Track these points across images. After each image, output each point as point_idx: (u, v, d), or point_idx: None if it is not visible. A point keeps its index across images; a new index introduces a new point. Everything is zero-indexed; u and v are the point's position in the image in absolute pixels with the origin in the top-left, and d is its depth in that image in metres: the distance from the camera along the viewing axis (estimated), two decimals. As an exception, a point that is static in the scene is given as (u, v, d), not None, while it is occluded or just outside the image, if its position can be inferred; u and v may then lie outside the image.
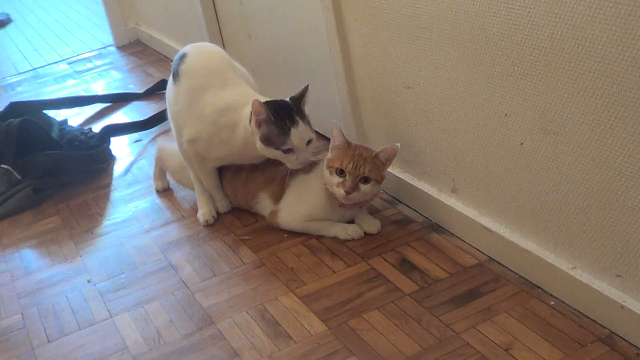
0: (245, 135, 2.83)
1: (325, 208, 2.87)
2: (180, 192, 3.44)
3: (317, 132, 3.36)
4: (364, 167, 2.69)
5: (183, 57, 3.05)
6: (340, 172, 2.71)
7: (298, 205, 2.91)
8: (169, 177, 3.51)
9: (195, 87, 2.96)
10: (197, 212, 3.20)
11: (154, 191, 3.50)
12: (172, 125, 3.17)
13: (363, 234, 2.85)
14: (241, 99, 2.89)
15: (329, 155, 2.78)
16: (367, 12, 2.77)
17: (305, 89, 2.82)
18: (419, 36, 2.54)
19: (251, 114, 2.76)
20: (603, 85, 1.91)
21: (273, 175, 2.95)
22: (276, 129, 2.73)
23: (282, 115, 2.74)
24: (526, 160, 2.28)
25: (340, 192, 2.71)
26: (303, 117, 2.78)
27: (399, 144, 2.71)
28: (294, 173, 2.90)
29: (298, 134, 2.74)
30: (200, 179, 3.16)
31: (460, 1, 2.29)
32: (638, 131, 1.87)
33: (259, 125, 2.75)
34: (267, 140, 2.75)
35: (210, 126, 2.91)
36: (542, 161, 2.22)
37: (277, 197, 2.97)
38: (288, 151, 2.75)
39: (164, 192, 3.49)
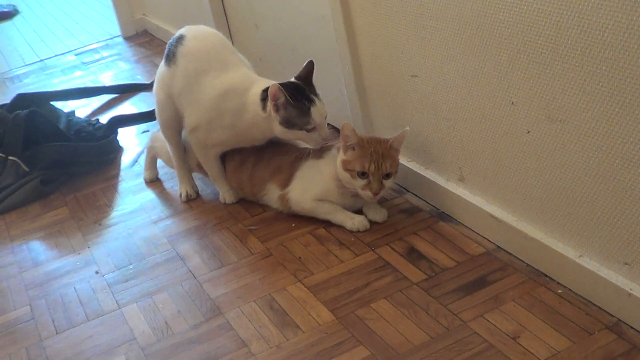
0: (255, 120, 2.83)
1: (335, 195, 2.86)
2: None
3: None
4: (385, 164, 2.69)
5: (180, 39, 3.03)
6: (362, 174, 2.71)
7: (309, 187, 2.90)
8: (160, 166, 3.53)
9: (195, 70, 2.96)
10: (205, 203, 3.22)
11: (162, 181, 3.51)
12: (156, 108, 3.22)
13: (369, 226, 2.84)
14: (245, 81, 2.89)
15: (342, 156, 2.76)
16: (373, 1, 2.76)
17: (310, 64, 2.84)
18: (425, 25, 2.53)
19: (264, 100, 2.78)
20: (609, 72, 1.90)
21: (280, 165, 2.95)
22: (296, 110, 2.75)
23: (298, 96, 2.76)
24: (533, 149, 2.27)
25: (367, 194, 2.72)
26: (316, 93, 2.81)
27: (408, 128, 2.71)
28: (304, 157, 2.91)
29: (317, 111, 2.77)
30: (205, 169, 3.17)
31: (466, -11, 2.29)
32: (645, 118, 1.87)
33: (277, 109, 2.76)
34: (288, 123, 2.76)
35: (211, 110, 2.92)
36: (549, 149, 2.21)
37: (286, 185, 2.96)
38: (311, 130, 2.76)
39: (151, 182, 3.53)
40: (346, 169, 2.73)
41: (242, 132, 2.91)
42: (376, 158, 2.69)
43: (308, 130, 2.77)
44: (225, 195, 3.18)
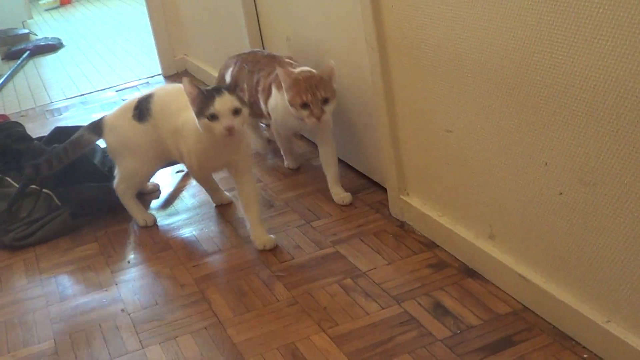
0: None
1: None
2: (218, 225, 3.44)
3: (360, 173, 3.39)
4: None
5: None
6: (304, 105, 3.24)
7: None
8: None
9: None
10: (234, 247, 3.23)
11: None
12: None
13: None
14: None
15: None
16: (411, 55, 2.77)
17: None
18: (461, 81, 2.54)
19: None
20: (644, 139, 1.89)
21: None
22: (203, 97, 2.97)
23: (210, 91, 2.99)
24: (564, 211, 2.26)
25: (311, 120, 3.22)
26: (231, 90, 2.97)
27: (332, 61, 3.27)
28: None
29: (222, 101, 2.92)
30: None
31: (504, 48, 2.28)
32: (678, 187, 1.86)
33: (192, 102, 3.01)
34: (199, 113, 2.97)
35: None
36: (580, 212, 2.20)
37: None
38: (213, 118, 2.92)
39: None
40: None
41: None
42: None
43: (210, 119, 2.92)
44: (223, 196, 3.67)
